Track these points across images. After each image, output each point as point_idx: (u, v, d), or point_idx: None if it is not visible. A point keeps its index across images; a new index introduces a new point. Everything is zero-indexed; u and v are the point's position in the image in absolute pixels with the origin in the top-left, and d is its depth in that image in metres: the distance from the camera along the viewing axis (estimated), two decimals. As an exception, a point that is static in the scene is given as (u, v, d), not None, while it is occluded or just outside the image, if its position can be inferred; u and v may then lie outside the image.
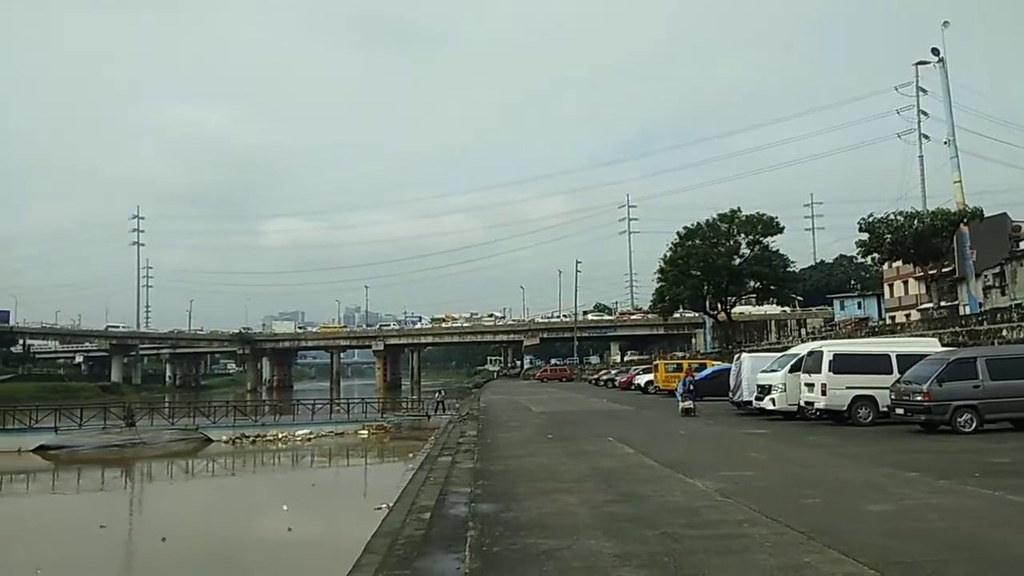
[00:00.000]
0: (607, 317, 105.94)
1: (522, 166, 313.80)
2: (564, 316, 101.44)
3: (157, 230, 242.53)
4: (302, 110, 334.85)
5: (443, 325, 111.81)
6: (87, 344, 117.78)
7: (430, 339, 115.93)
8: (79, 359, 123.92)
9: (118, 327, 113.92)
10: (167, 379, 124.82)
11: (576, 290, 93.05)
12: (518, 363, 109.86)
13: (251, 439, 33.37)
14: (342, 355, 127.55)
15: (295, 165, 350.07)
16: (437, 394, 43.81)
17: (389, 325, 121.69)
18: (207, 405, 38.88)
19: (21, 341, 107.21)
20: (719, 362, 38.14)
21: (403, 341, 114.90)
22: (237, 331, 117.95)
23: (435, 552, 7.45)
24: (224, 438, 33.17)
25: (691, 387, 24.78)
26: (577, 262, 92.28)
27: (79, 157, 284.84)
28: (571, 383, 65.57)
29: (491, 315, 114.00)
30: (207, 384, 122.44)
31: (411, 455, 23.69)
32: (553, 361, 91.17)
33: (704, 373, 32.42)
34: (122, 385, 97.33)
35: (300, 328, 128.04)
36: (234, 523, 19.17)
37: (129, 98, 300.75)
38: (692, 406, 23.79)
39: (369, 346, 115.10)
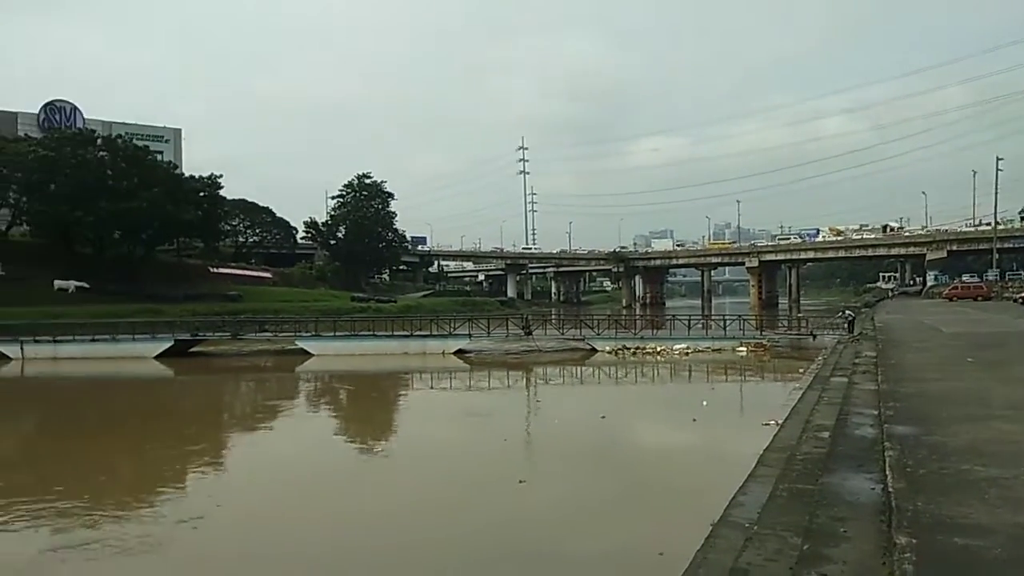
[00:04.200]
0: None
1: (911, 56, 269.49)
2: (986, 224, 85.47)
3: (538, 159, 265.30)
4: (655, 30, 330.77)
5: (833, 238, 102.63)
6: (487, 265, 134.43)
7: (811, 254, 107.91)
8: (481, 277, 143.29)
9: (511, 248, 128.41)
10: (552, 295, 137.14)
11: (996, 193, 77.68)
12: (917, 279, 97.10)
13: (631, 351, 34.85)
14: (712, 273, 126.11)
15: (656, 84, 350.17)
16: (843, 313, 39.53)
17: (775, 240, 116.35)
18: (591, 318, 41.52)
19: (435, 262, 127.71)
20: None
21: (780, 257, 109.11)
22: (612, 250, 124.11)
23: (842, 470, 6.91)
24: (607, 348, 35.23)
25: None
26: (998, 159, 76.94)
27: (471, 105, 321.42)
28: (988, 302, 55.91)
29: (885, 226, 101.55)
30: (586, 300, 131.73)
31: (800, 371, 22.45)
32: (965, 277, 78.16)
33: None
34: (516, 300, 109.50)
35: (678, 245, 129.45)
36: (650, 413, 21.86)
37: (506, 38, 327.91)
38: None
39: (741, 263, 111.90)
